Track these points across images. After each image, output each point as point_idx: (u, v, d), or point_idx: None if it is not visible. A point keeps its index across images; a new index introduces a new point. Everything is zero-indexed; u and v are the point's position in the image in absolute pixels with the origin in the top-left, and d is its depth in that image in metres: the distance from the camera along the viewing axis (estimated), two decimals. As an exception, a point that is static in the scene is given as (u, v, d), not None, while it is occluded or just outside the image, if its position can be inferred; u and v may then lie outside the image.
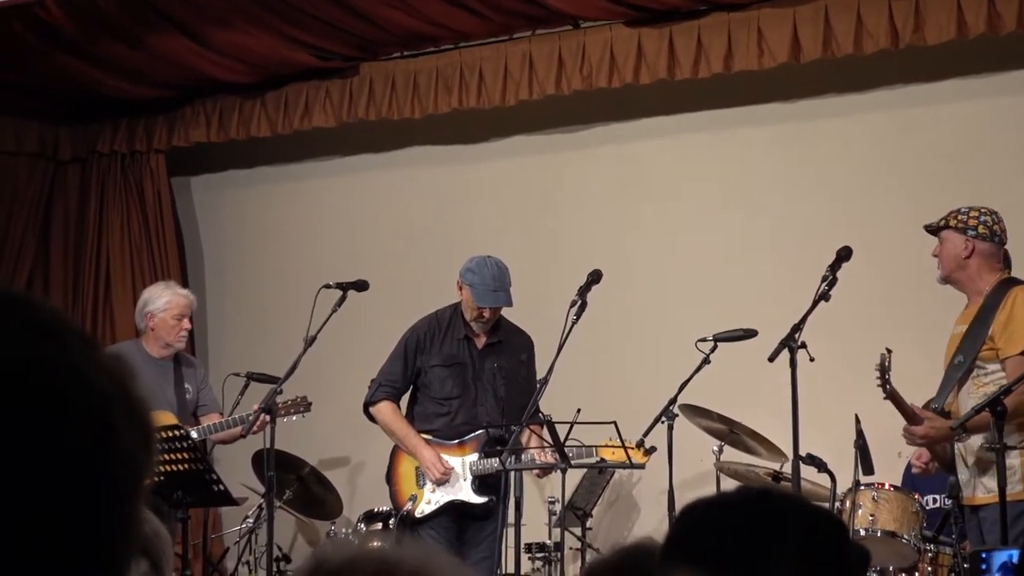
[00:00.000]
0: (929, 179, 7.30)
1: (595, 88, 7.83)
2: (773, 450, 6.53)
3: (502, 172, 8.50)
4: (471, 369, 6.65)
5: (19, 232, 9.37)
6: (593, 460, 6.48)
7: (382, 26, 8.03)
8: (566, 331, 6.02)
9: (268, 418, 6.40)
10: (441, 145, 8.71)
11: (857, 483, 5.77)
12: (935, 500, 6.43)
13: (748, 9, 7.41)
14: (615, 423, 5.97)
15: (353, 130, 8.75)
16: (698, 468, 7.03)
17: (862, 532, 5.69)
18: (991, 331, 5.51)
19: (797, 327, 5.57)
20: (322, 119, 8.60)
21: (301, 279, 8.12)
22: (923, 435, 5.52)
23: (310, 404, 7.17)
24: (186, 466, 6.18)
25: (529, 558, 7.14)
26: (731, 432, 6.62)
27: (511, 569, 6.27)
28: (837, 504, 5.83)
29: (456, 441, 6.63)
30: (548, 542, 7.20)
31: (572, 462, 6.12)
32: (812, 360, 5.54)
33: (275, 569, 6.97)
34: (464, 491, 6.59)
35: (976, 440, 5.44)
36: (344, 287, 6.60)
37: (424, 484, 6.63)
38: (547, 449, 6.26)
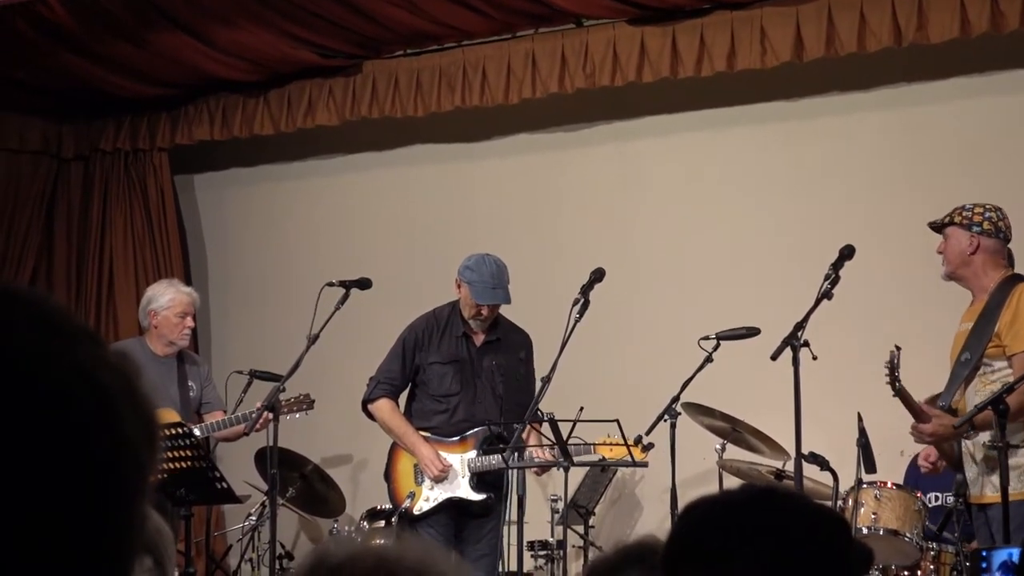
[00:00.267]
0: (932, 178, 7.29)
1: (598, 86, 7.84)
2: (776, 448, 6.53)
3: (505, 170, 8.50)
4: (470, 366, 6.65)
5: (22, 229, 9.38)
6: (595, 458, 6.49)
7: (385, 24, 8.03)
8: (569, 329, 6.02)
9: (271, 416, 6.40)
10: (444, 143, 8.71)
11: (859, 481, 5.76)
12: (937, 498, 6.42)
13: (751, 8, 7.41)
14: (617, 421, 5.97)
15: (356, 128, 8.75)
16: (701, 466, 7.03)
17: (864, 530, 5.69)
18: (997, 328, 5.49)
19: (800, 325, 5.57)
20: (325, 117, 8.60)
21: (304, 277, 8.13)
22: (931, 433, 5.52)
23: (313, 402, 7.17)
24: (189, 464, 6.18)
25: (532, 556, 7.15)
26: (734, 430, 6.62)
27: (514, 567, 6.27)
28: (839, 502, 5.83)
29: (454, 438, 6.63)
30: (551, 540, 7.21)
31: (574, 460, 6.12)
32: (815, 358, 5.55)
33: (278, 567, 6.97)
34: (462, 488, 6.59)
35: (984, 438, 5.43)
36: (347, 285, 6.60)
37: (422, 481, 6.63)
38: (546, 447, 6.27)
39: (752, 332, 6.35)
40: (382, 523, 6.88)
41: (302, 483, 7.74)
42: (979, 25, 6.84)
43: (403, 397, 6.83)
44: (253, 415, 6.61)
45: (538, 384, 6.02)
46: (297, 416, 7.11)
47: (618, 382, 7.74)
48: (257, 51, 8.36)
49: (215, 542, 8.43)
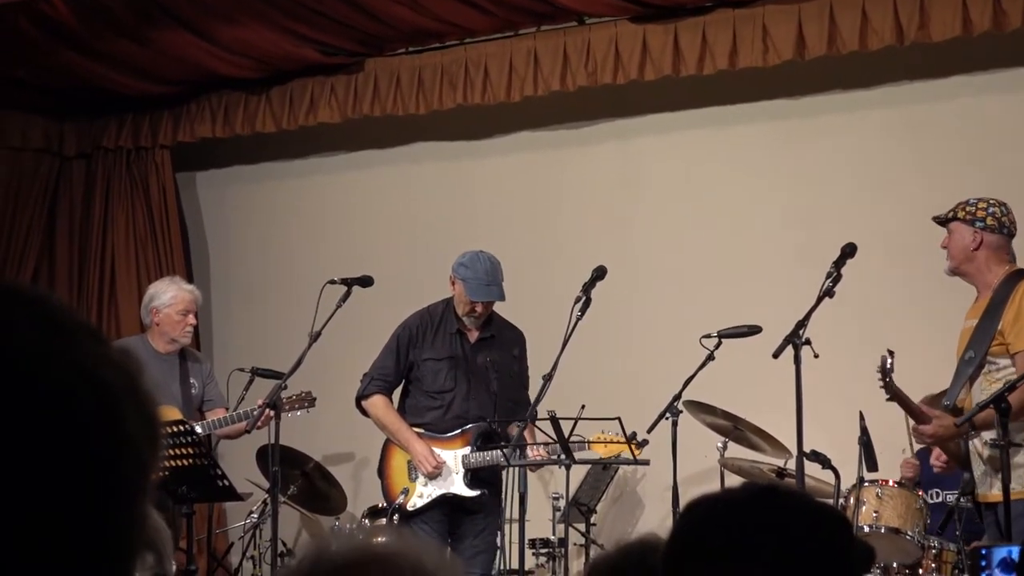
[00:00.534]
0: (933, 176, 7.29)
1: (600, 84, 7.84)
2: (777, 446, 6.53)
3: (507, 168, 8.50)
4: (464, 363, 6.66)
5: (24, 227, 9.38)
6: (597, 456, 6.50)
7: (387, 22, 8.03)
8: (570, 327, 6.01)
9: (273, 413, 6.40)
10: (446, 141, 8.71)
11: (861, 479, 5.76)
12: (937, 495, 6.42)
13: (753, 6, 7.41)
14: (619, 419, 5.98)
15: (358, 126, 8.75)
16: (702, 464, 7.03)
17: (866, 529, 5.69)
18: (1001, 326, 5.46)
19: (801, 324, 5.56)
20: (327, 115, 8.60)
21: (306, 275, 8.13)
22: (932, 434, 5.51)
23: (314, 399, 7.17)
24: (191, 461, 6.17)
25: (533, 554, 7.16)
26: (735, 428, 6.62)
27: (515, 565, 6.28)
28: (841, 500, 5.83)
29: (448, 435, 6.64)
30: (552, 538, 7.21)
31: (576, 458, 6.12)
32: (816, 357, 5.54)
33: (279, 564, 6.97)
34: (456, 485, 6.60)
35: (989, 437, 5.41)
36: (349, 283, 6.60)
37: (416, 478, 6.64)
38: (540, 445, 6.28)
39: (754, 330, 6.35)
40: (383, 520, 6.88)
41: (303, 481, 7.74)
42: (981, 23, 6.84)
43: (396, 393, 6.83)
44: (255, 412, 6.61)
45: (539, 382, 6.02)
46: (299, 413, 7.11)
47: (619, 380, 7.74)
48: (259, 49, 8.37)
49: (216, 540, 8.43)
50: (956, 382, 5.61)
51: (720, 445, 6.69)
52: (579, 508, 7.19)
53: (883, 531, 5.72)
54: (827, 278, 5.60)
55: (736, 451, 6.70)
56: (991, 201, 5.64)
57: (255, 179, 9.37)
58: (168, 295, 7.18)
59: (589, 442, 6.32)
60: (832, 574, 1.92)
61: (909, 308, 7.23)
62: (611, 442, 6.37)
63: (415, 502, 6.62)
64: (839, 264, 5.62)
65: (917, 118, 7.45)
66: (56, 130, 9.54)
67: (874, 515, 5.74)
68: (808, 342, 5.55)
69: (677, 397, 6.33)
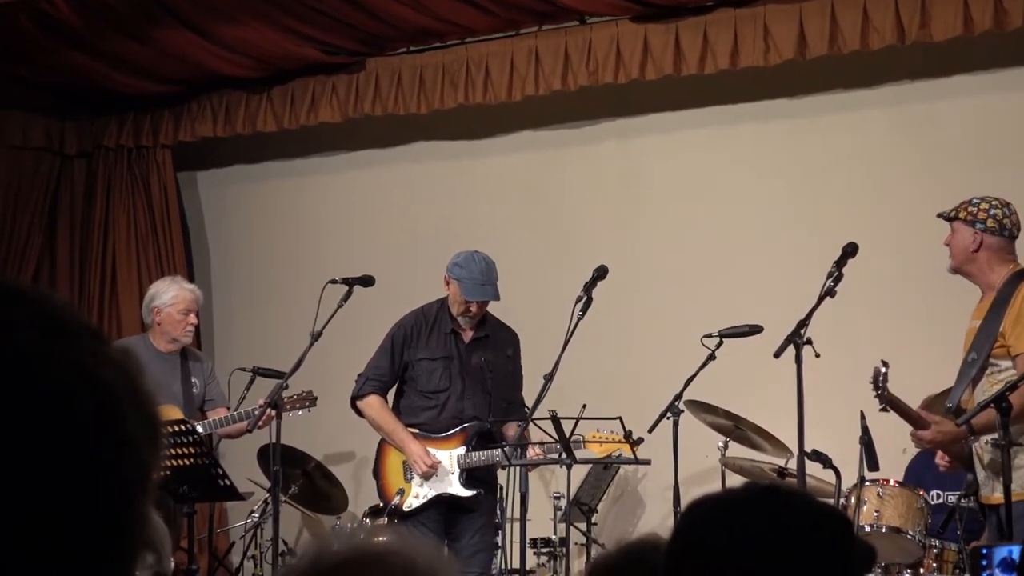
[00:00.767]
0: (935, 175, 7.29)
1: (601, 84, 7.83)
2: (778, 446, 6.53)
3: (508, 168, 8.50)
4: (459, 363, 6.66)
5: (25, 226, 9.38)
6: (594, 455, 6.50)
7: (388, 21, 8.03)
8: (571, 327, 6.02)
9: (274, 413, 6.40)
10: (447, 141, 8.71)
11: (862, 479, 5.76)
12: (938, 496, 6.42)
13: (754, 5, 7.40)
14: (620, 419, 5.98)
15: (359, 125, 8.75)
16: (703, 464, 7.03)
17: (867, 528, 5.68)
18: (1002, 328, 5.45)
19: (803, 323, 5.56)
20: (328, 114, 8.60)
21: (307, 274, 8.13)
22: (930, 440, 5.50)
23: (316, 399, 7.17)
24: (192, 461, 6.17)
25: (534, 553, 7.15)
26: (736, 428, 6.62)
27: (516, 564, 6.28)
28: (842, 500, 5.83)
29: (443, 435, 6.64)
30: (553, 537, 7.21)
31: (577, 458, 6.13)
32: (818, 356, 5.54)
33: (280, 563, 6.97)
34: (452, 485, 6.60)
35: (991, 438, 5.39)
36: (350, 282, 6.60)
37: (411, 478, 6.64)
38: (535, 445, 6.28)
39: (755, 330, 6.35)
40: (384, 520, 6.88)
41: (305, 480, 7.74)
42: (982, 23, 6.83)
43: (391, 394, 6.83)
44: (256, 412, 6.61)
45: (540, 381, 6.02)
46: (300, 413, 7.11)
47: (620, 380, 7.73)
48: (261, 48, 8.37)
49: (218, 539, 8.43)
50: (959, 383, 5.59)
51: (721, 445, 6.69)
52: (580, 507, 7.19)
53: (884, 531, 5.72)
54: (828, 277, 5.60)
55: (737, 451, 6.70)
56: (993, 202, 5.62)
57: (256, 178, 9.37)
58: (169, 294, 7.18)
59: (584, 441, 6.32)
60: (833, 574, 1.92)
61: (911, 308, 7.23)
62: (606, 441, 6.37)
63: (411, 502, 6.62)
64: (840, 263, 5.62)
65: (918, 117, 7.45)
66: (57, 129, 9.54)
67: (875, 515, 5.73)
68: (809, 342, 5.55)
69: (678, 397, 6.33)
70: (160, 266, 9.08)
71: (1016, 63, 7.24)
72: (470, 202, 8.56)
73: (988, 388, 5.45)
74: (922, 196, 7.02)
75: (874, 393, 5.34)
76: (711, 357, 6.28)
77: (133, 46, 8.39)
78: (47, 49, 8.42)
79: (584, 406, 6.10)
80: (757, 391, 6.94)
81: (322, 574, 1.37)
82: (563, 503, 6.83)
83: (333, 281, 6.61)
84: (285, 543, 7.52)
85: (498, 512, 7.06)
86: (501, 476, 6.77)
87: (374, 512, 7.00)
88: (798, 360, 5.52)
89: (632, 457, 6.20)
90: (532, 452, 6.33)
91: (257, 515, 7.53)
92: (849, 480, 5.88)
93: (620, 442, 6.22)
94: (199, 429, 6.66)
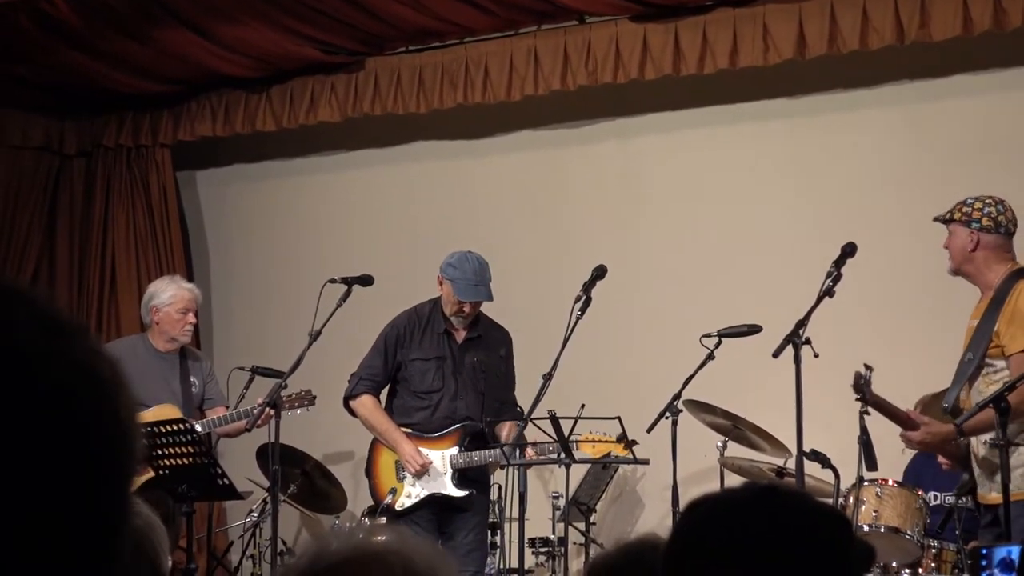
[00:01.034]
0: (934, 175, 7.29)
1: (600, 83, 7.84)
2: (777, 446, 6.53)
3: (507, 167, 8.50)
4: (452, 363, 6.67)
5: (24, 226, 9.38)
6: (592, 457, 6.50)
7: (388, 21, 8.03)
8: (570, 326, 6.02)
9: (273, 412, 6.40)
10: (446, 140, 8.71)
11: (861, 479, 5.76)
12: (936, 496, 6.42)
13: (754, 5, 7.41)
14: (619, 418, 5.98)
15: (358, 125, 8.75)
16: (702, 464, 7.03)
17: (866, 528, 5.68)
18: (997, 327, 5.46)
19: (801, 323, 5.56)
20: (327, 114, 8.60)
21: (306, 273, 8.13)
22: (919, 441, 5.51)
23: (315, 398, 7.17)
24: (191, 460, 6.17)
25: (533, 553, 7.16)
26: (735, 428, 6.62)
27: (515, 564, 6.28)
28: (841, 500, 5.83)
29: (436, 434, 6.65)
30: (552, 537, 7.21)
31: (576, 458, 6.12)
32: (816, 356, 5.54)
33: (279, 563, 6.97)
34: (444, 485, 6.61)
35: (988, 437, 5.39)
36: (349, 282, 6.60)
37: (404, 477, 6.65)
38: (529, 445, 6.29)
39: (754, 329, 6.36)
40: (383, 519, 6.89)
41: (303, 479, 7.74)
42: (981, 23, 6.84)
43: (384, 393, 6.84)
44: (255, 411, 6.61)
45: (539, 381, 6.02)
46: (299, 412, 7.12)
47: (619, 379, 7.74)
48: (260, 47, 8.37)
49: (216, 538, 8.43)
50: (956, 383, 5.59)
51: (720, 444, 6.70)
52: (579, 507, 7.19)
53: (883, 530, 5.72)
54: (827, 277, 5.60)
55: (736, 450, 6.70)
56: (987, 200, 5.62)
57: (255, 178, 9.38)
58: (168, 294, 7.18)
59: (578, 442, 6.32)
60: (832, 574, 1.92)
61: (910, 308, 7.23)
62: (599, 441, 6.37)
63: (403, 502, 6.63)
64: (839, 263, 5.62)
65: (918, 117, 7.45)
66: (56, 128, 9.54)
67: (874, 514, 5.73)
68: (808, 341, 5.55)
69: (677, 396, 6.33)
70: (159, 265, 9.08)
71: (1016, 63, 7.25)
72: (469, 202, 8.56)
73: (984, 388, 5.45)
74: (921, 196, 7.02)
75: (856, 397, 5.35)
76: (710, 357, 6.28)
77: (133, 46, 8.39)
78: (47, 49, 8.42)
79: (583, 406, 6.10)
80: (756, 391, 6.94)
81: (321, 573, 1.38)
82: (562, 503, 6.83)
83: (332, 280, 6.61)
84: (284, 542, 7.52)
85: (495, 512, 7.08)
86: (500, 476, 6.78)
87: (373, 511, 7.00)
88: (797, 360, 5.52)
89: (631, 457, 6.20)
90: (528, 453, 6.34)
91: (256, 514, 7.54)
92: (848, 480, 5.88)
93: (612, 443, 6.22)
94: (198, 428, 6.66)
